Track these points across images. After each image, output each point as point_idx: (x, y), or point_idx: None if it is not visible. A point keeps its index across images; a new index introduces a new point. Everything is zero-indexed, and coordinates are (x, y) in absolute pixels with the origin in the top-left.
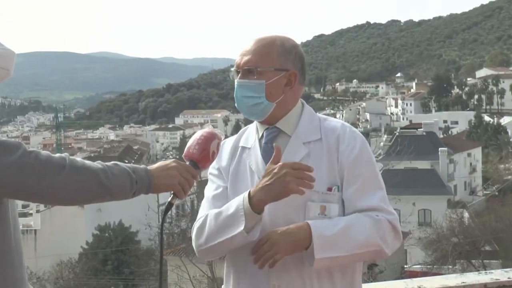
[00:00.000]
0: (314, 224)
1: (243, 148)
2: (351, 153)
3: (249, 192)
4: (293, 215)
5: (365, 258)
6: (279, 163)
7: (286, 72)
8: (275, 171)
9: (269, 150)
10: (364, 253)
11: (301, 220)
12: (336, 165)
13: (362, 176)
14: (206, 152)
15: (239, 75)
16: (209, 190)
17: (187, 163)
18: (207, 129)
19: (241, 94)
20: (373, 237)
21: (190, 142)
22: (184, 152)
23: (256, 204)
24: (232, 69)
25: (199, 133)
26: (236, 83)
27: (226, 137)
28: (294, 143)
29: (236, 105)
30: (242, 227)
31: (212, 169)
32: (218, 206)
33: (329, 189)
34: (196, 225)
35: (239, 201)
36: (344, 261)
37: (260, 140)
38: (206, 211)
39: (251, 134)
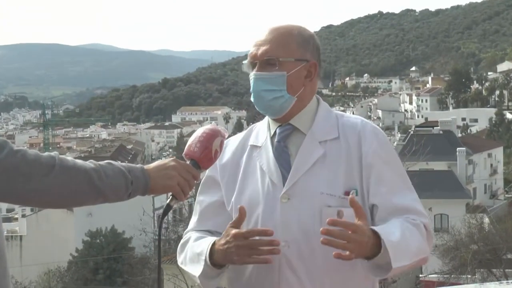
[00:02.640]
0: (379, 230)
1: (253, 146)
2: (376, 152)
3: (214, 242)
4: (308, 221)
5: (414, 267)
6: (233, 231)
7: (306, 63)
8: (228, 238)
9: (281, 150)
10: (417, 261)
11: (317, 226)
12: (357, 166)
13: (392, 176)
14: (208, 150)
15: (256, 67)
16: (199, 203)
17: (188, 162)
18: (210, 126)
19: (260, 88)
20: (423, 244)
21: (191, 139)
22: (185, 150)
23: (215, 261)
24: (245, 61)
25: (201, 130)
26: (253, 76)
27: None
28: (310, 142)
29: (253, 100)
30: (198, 273)
31: (206, 176)
32: (202, 223)
33: (347, 193)
34: (182, 239)
35: (206, 245)
36: (404, 270)
37: (272, 138)
38: (192, 224)
39: (262, 132)
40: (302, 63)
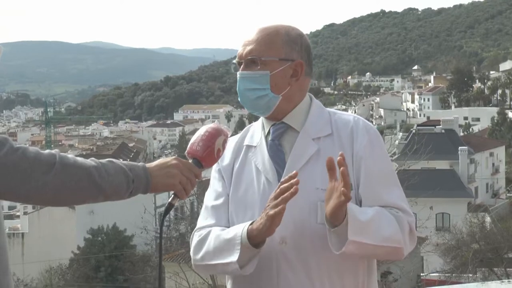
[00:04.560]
0: (350, 205)
1: (248, 146)
2: (367, 148)
3: (252, 222)
4: (305, 217)
5: (385, 254)
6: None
7: (291, 63)
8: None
9: (276, 148)
10: (387, 248)
11: (313, 221)
12: (350, 161)
13: (379, 172)
14: (211, 149)
15: (242, 66)
16: (209, 198)
17: (190, 161)
18: (213, 124)
19: (244, 87)
20: (397, 233)
21: (193, 138)
22: (187, 148)
23: (255, 236)
24: (234, 61)
25: (203, 129)
26: (238, 75)
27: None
28: (303, 139)
29: (239, 99)
30: (235, 258)
31: (214, 171)
32: (217, 218)
33: None
34: (196, 237)
35: (239, 228)
36: (369, 252)
37: (266, 137)
38: (204, 221)
39: (257, 132)
40: (287, 62)
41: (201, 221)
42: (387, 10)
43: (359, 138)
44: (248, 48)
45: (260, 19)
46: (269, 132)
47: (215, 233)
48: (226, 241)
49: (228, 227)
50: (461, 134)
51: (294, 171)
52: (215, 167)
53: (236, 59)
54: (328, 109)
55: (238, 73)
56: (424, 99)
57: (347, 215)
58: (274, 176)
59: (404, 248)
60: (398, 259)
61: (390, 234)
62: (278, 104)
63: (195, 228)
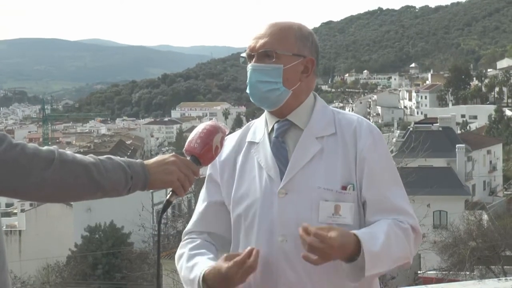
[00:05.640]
0: (363, 237)
1: (251, 143)
2: (370, 149)
3: (205, 272)
4: (306, 215)
5: (394, 269)
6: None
7: (303, 59)
8: (229, 267)
9: (279, 145)
10: (396, 266)
11: (314, 220)
12: (353, 162)
13: (383, 174)
14: (209, 146)
15: (254, 59)
16: (198, 202)
17: (188, 158)
18: (211, 122)
19: (256, 79)
20: (406, 249)
21: (191, 135)
22: (185, 146)
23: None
24: (243, 54)
25: (201, 126)
26: (250, 67)
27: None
28: (307, 138)
29: (248, 91)
30: None
31: (207, 175)
32: (201, 224)
33: (344, 188)
34: (180, 247)
35: (198, 272)
36: (381, 273)
37: (269, 134)
38: (191, 224)
39: (259, 128)
40: (299, 58)
41: (190, 224)
42: (384, 8)
43: (363, 138)
44: (262, 41)
45: (258, 16)
46: (272, 129)
47: (185, 263)
48: (189, 280)
49: (215, 232)
50: (459, 132)
51: (255, 250)
52: (207, 170)
53: (247, 52)
54: (332, 108)
55: (250, 65)
56: (421, 97)
57: (362, 249)
58: (277, 173)
59: (411, 258)
60: (406, 267)
61: (400, 254)
62: (286, 100)
63: (185, 231)
